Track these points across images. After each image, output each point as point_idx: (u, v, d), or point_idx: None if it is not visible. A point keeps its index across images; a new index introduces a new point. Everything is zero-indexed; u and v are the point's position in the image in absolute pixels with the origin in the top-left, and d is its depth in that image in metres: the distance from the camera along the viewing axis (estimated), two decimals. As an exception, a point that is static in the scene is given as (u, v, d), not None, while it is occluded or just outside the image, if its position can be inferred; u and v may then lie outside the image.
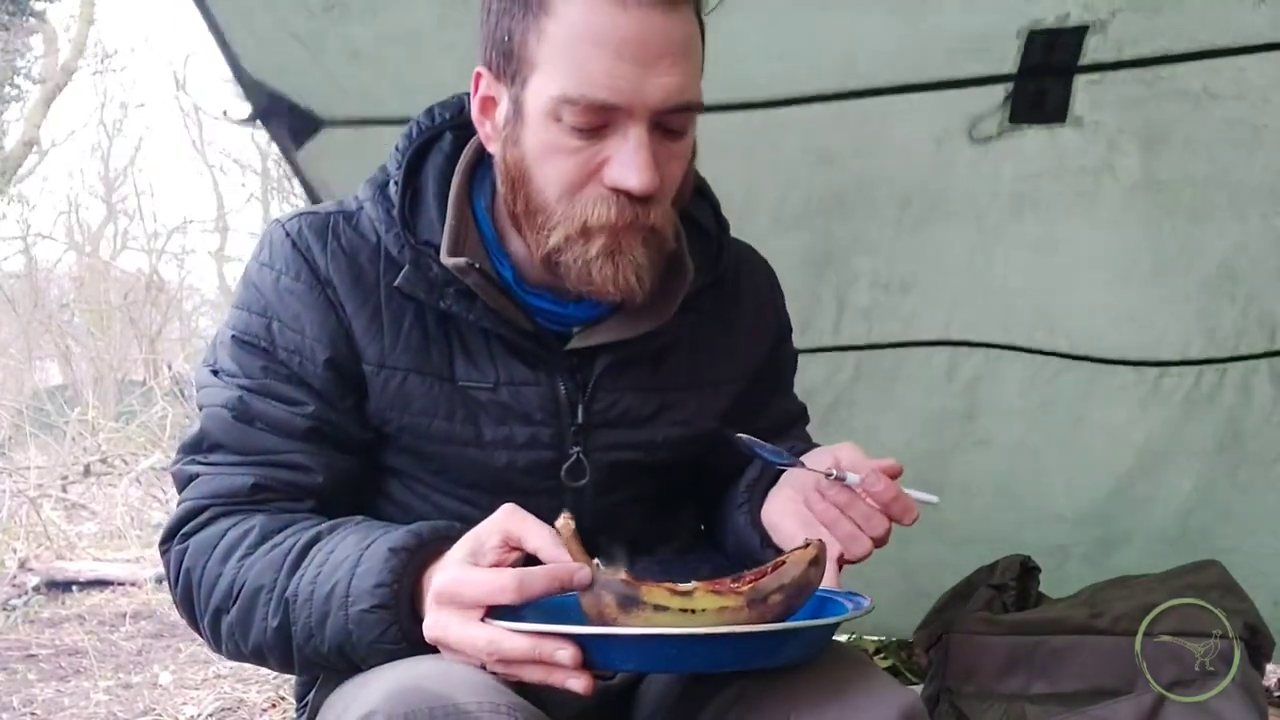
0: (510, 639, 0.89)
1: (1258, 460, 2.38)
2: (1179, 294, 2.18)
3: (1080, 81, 1.87)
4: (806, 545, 0.95)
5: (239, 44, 1.77)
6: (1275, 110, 1.92)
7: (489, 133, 1.10)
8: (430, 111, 1.16)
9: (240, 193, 18.54)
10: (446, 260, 1.08)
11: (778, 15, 1.77)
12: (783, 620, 0.92)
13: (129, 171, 13.21)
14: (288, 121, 1.84)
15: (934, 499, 1.07)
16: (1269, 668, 2.19)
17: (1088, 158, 1.98)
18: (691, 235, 1.18)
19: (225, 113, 1.86)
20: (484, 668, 0.91)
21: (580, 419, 1.14)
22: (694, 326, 1.19)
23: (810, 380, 2.23)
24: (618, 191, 1.02)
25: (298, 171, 1.93)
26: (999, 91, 1.89)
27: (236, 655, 1.07)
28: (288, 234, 1.13)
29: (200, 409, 1.13)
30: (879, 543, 1.06)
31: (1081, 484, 2.49)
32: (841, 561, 1.05)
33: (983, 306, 2.25)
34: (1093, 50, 1.83)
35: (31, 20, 10.20)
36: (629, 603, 0.89)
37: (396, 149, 1.14)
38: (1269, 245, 2.09)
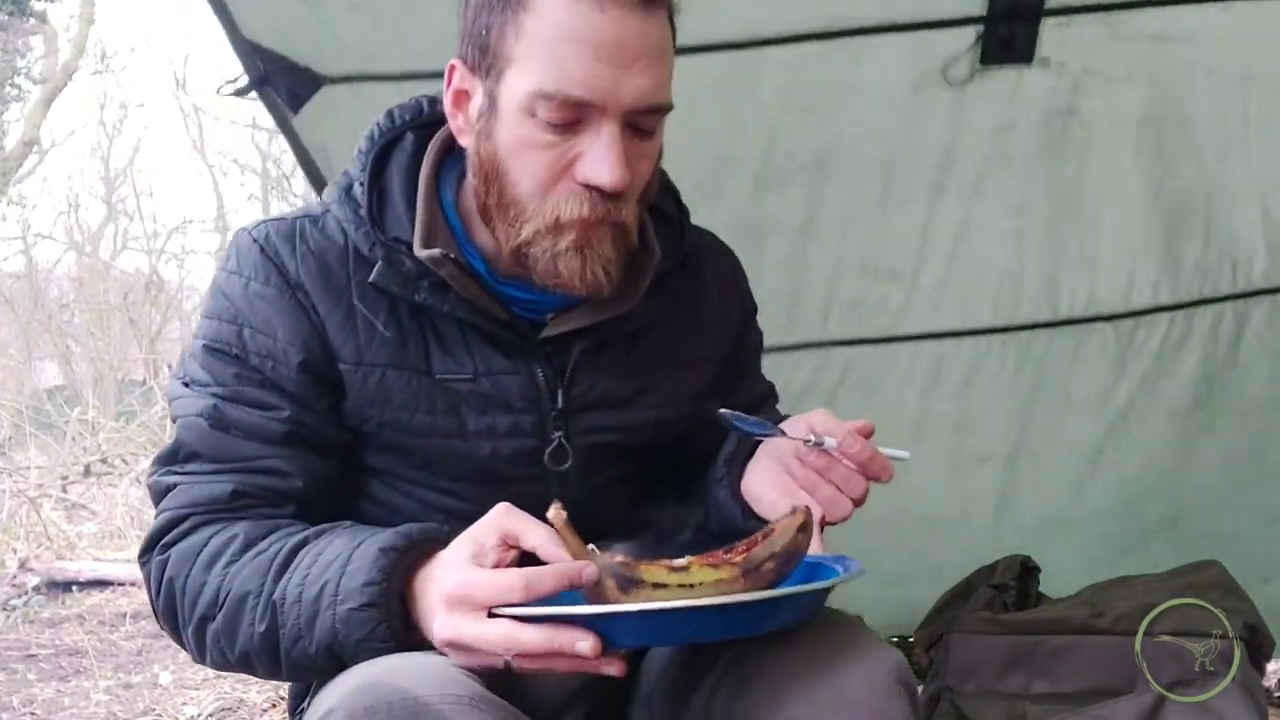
0: (526, 632, 0.89)
1: (1229, 408, 2.44)
2: (1147, 236, 2.24)
3: (1047, 24, 1.92)
4: (793, 513, 0.98)
5: (237, 5, 1.75)
6: (1231, 54, 1.97)
7: (461, 125, 1.11)
8: (390, 114, 1.17)
9: (240, 193, 18.59)
10: (420, 253, 1.09)
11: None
12: (775, 586, 0.94)
13: (129, 171, 13.15)
14: (286, 83, 1.83)
15: (905, 454, 1.11)
16: (1269, 667, 2.19)
17: (1055, 100, 2.03)
18: (655, 220, 1.21)
19: (219, 90, 1.84)
20: (507, 667, 0.91)
21: (560, 404, 1.16)
22: (663, 310, 1.21)
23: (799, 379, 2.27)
24: (589, 188, 1.04)
25: (294, 140, 1.91)
26: (970, 33, 1.94)
27: (222, 664, 1.06)
28: (255, 240, 1.13)
29: (174, 421, 1.13)
30: (858, 502, 1.09)
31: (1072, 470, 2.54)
32: (823, 524, 1.08)
33: (968, 287, 2.29)
34: None
35: (31, 20, 10.20)
36: (629, 583, 0.90)
37: (359, 151, 1.15)
38: (1224, 184, 2.16)
